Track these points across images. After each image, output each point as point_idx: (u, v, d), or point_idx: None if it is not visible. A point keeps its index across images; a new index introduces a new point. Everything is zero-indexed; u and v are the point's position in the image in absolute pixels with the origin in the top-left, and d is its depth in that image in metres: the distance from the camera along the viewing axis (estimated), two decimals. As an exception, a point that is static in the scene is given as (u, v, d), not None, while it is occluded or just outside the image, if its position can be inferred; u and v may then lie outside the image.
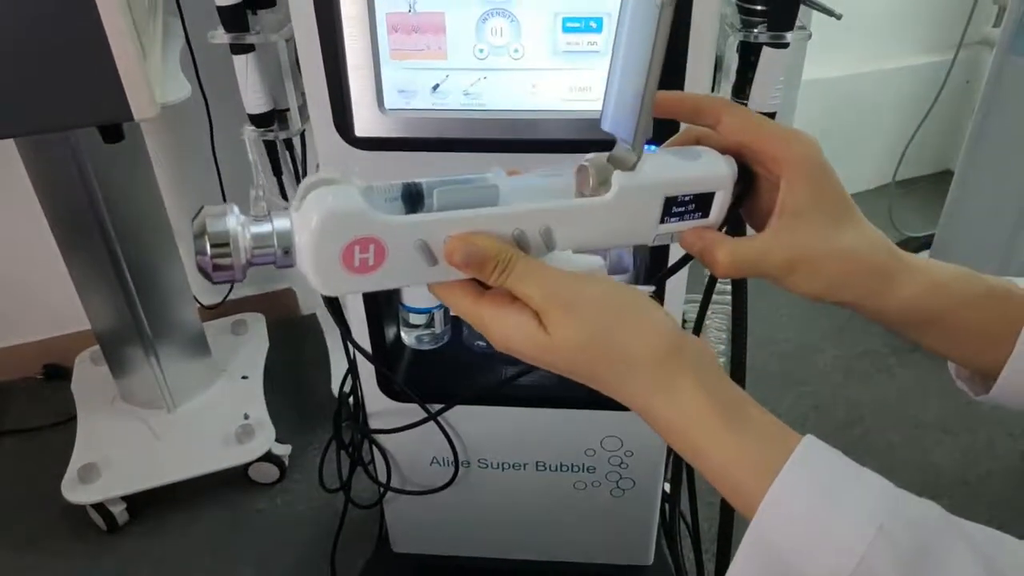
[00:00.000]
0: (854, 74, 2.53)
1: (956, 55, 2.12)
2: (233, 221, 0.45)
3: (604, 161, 0.51)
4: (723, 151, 0.53)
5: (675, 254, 0.97)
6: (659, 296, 0.98)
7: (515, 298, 0.48)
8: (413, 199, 0.48)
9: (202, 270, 0.46)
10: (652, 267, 1.00)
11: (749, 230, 0.56)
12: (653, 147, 0.55)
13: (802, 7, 0.89)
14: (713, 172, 0.52)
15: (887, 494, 0.43)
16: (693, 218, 0.53)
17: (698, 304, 1.15)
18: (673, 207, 0.52)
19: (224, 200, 1.48)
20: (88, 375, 1.88)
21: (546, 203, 0.50)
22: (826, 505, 0.42)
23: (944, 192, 2.18)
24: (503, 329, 0.48)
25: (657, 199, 0.51)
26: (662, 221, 0.52)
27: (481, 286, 0.49)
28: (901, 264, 0.53)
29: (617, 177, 0.50)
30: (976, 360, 0.55)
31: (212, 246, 0.45)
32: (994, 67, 1.90)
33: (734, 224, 0.56)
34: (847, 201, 0.52)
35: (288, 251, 0.46)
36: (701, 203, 0.53)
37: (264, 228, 0.46)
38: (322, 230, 0.45)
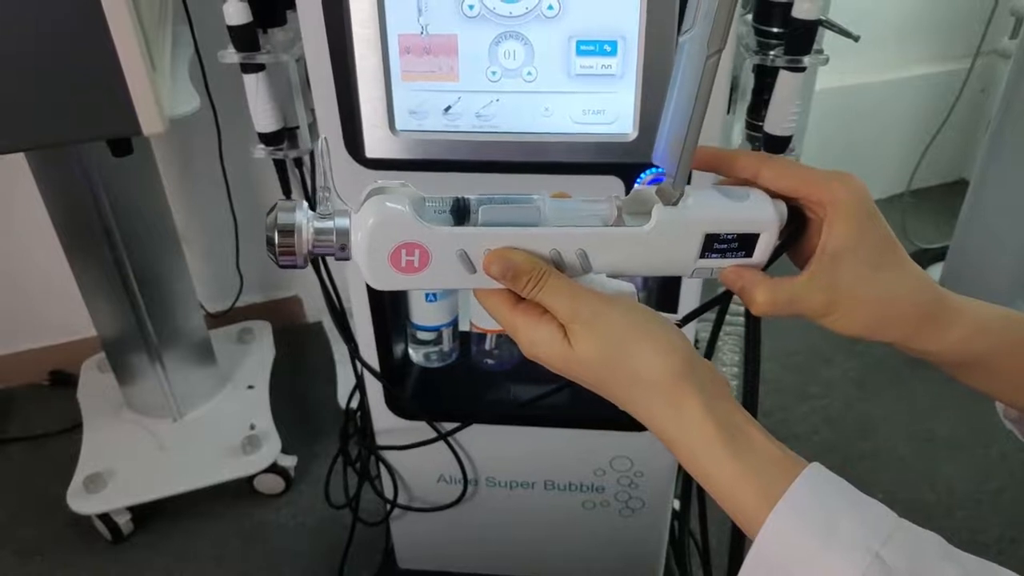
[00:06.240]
0: (868, 83, 2.51)
1: (972, 65, 2.10)
2: (300, 215, 0.52)
3: (650, 193, 0.53)
4: (775, 195, 0.54)
5: (689, 283, 0.97)
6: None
7: (545, 311, 0.52)
8: (461, 212, 0.53)
9: (271, 255, 0.52)
10: (662, 291, 0.98)
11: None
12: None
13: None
14: (758, 214, 0.53)
15: (886, 523, 0.43)
16: (736, 256, 0.54)
17: (711, 323, 1.14)
18: (715, 244, 0.53)
19: (231, 208, 1.46)
20: (94, 382, 1.88)
21: (582, 228, 0.53)
22: (824, 533, 0.43)
23: (958, 202, 2.16)
24: (531, 338, 0.52)
25: (696, 235, 0.53)
26: (702, 256, 0.54)
27: (517, 296, 0.53)
28: (945, 307, 0.53)
29: (657, 210, 0.52)
30: None
31: (280, 234, 0.51)
32: (1011, 79, 1.88)
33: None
34: (891, 244, 0.52)
35: (344, 247, 0.53)
36: (745, 243, 0.53)
37: (327, 224, 0.52)
38: (374, 232, 0.51)
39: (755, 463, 0.46)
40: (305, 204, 0.53)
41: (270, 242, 0.52)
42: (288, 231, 0.52)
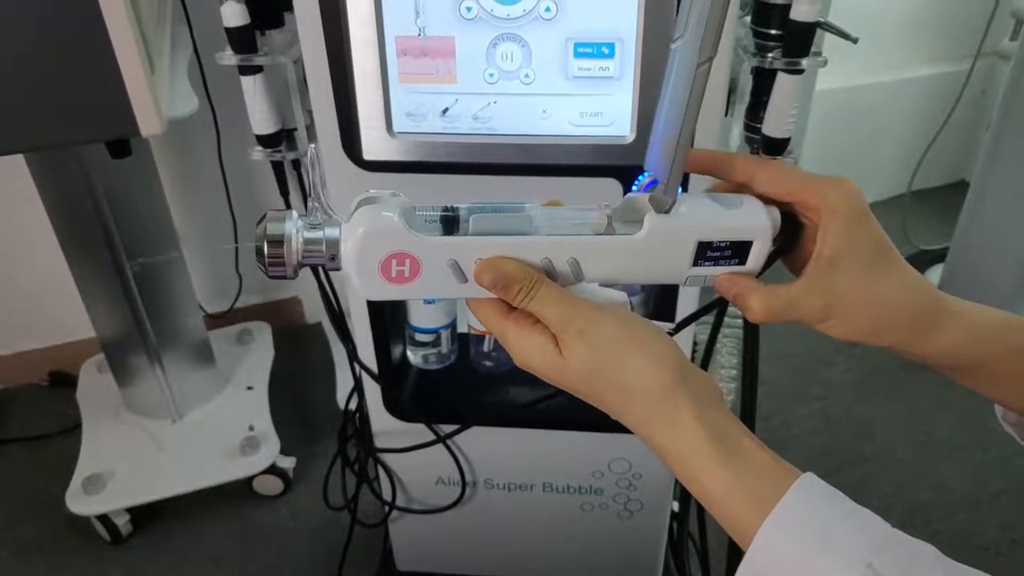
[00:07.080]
0: (868, 83, 2.51)
1: (972, 67, 2.10)
2: (290, 226, 0.51)
3: (643, 201, 0.52)
4: (769, 202, 0.53)
5: (686, 287, 0.96)
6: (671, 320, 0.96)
7: (537, 320, 0.51)
8: (451, 222, 0.53)
9: (260, 266, 0.52)
10: (660, 295, 0.98)
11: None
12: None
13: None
14: (751, 221, 0.52)
15: (879, 533, 0.43)
16: (729, 264, 0.54)
17: (710, 326, 1.14)
18: (708, 252, 0.53)
19: (230, 209, 1.46)
20: (94, 383, 1.88)
21: (574, 236, 0.52)
22: (816, 543, 0.43)
23: (958, 203, 2.15)
24: (523, 347, 0.52)
25: (689, 243, 0.52)
26: (695, 264, 0.53)
27: (509, 305, 0.52)
28: (943, 310, 0.53)
29: (649, 218, 0.52)
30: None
31: (269, 245, 0.51)
32: (1011, 80, 1.87)
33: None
34: (885, 247, 0.51)
35: (335, 257, 0.52)
36: (738, 250, 0.53)
37: (316, 234, 0.52)
38: (364, 241, 0.51)
39: (748, 473, 0.46)
40: (295, 214, 0.52)
41: (259, 252, 0.51)
42: (277, 242, 0.51)
